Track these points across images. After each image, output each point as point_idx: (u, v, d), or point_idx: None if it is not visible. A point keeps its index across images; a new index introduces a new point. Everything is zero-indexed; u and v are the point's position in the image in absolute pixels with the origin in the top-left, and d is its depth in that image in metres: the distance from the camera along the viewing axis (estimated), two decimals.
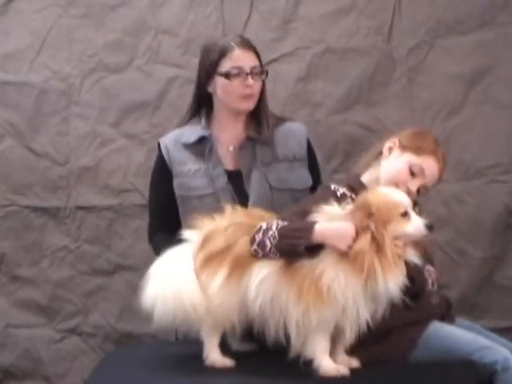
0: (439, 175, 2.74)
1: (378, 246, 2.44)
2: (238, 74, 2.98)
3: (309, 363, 2.50)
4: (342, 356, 2.57)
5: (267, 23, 3.72)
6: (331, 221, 2.51)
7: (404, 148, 2.73)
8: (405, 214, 2.51)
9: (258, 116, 3.06)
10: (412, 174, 2.69)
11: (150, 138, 3.74)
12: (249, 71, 2.98)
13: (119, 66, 3.81)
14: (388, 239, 2.45)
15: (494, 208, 3.62)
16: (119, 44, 3.81)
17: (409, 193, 2.64)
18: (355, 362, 2.57)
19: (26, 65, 3.85)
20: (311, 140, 3.13)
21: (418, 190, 2.70)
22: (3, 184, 3.86)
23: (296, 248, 2.48)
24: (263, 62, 3.14)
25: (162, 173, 3.09)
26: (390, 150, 2.75)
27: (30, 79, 3.84)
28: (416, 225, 2.51)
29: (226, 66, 2.99)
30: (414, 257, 2.53)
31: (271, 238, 2.53)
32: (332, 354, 2.53)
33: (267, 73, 3.05)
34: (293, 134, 3.09)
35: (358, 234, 2.45)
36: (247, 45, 3.03)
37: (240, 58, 2.99)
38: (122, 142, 3.82)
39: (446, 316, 2.78)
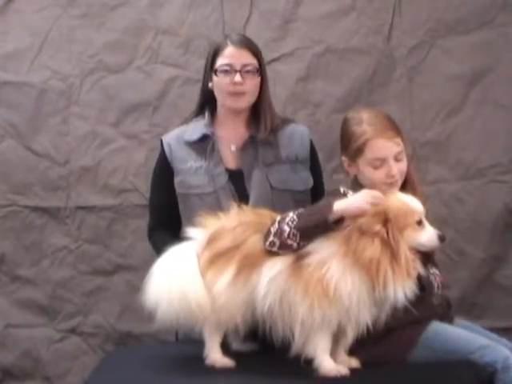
0: (396, 139, 2.69)
1: (391, 252, 2.43)
2: (226, 71, 2.98)
3: (309, 362, 2.50)
4: (342, 356, 2.57)
5: (267, 23, 3.73)
6: None
7: (351, 158, 2.72)
8: (420, 223, 2.50)
9: (257, 115, 3.06)
10: (377, 167, 2.67)
11: (150, 138, 3.74)
12: (239, 68, 2.97)
13: (119, 66, 3.81)
14: (403, 246, 2.45)
15: (493, 208, 3.62)
16: (119, 44, 3.81)
17: (393, 175, 2.64)
18: (355, 362, 2.57)
19: (26, 65, 3.85)
20: (314, 142, 3.13)
21: (396, 158, 2.68)
22: (3, 184, 3.86)
23: (319, 221, 2.48)
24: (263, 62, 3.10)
25: (164, 170, 3.10)
26: (349, 167, 2.75)
27: (30, 79, 3.84)
28: (429, 235, 2.51)
29: (218, 62, 3.01)
30: (420, 266, 2.53)
31: (290, 222, 2.52)
32: (332, 354, 2.53)
33: (262, 74, 3.03)
34: (296, 135, 3.09)
35: (368, 236, 2.45)
36: (243, 43, 3.03)
37: (231, 55, 2.99)
38: (122, 142, 3.82)
39: (445, 316, 2.78)
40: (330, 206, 2.50)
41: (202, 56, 3.71)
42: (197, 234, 2.67)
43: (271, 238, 2.54)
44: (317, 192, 3.07)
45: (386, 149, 2.67)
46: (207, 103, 3.10)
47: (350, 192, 2.68)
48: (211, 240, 2.62)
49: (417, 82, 3.67)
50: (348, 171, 2.77)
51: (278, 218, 2.58)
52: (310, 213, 2.54)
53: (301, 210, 2.57)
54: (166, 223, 3.05)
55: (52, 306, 3.86)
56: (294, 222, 2.52)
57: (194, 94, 3.64)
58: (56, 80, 3.84)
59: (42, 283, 3.85)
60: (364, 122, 2.70)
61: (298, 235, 2.51)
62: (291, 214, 2.56)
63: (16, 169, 3.85)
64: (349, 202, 2.53)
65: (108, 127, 3.82)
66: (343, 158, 2.76)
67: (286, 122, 3.12)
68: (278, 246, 2.53)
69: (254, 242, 2.57)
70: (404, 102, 3.66)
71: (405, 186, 2.70)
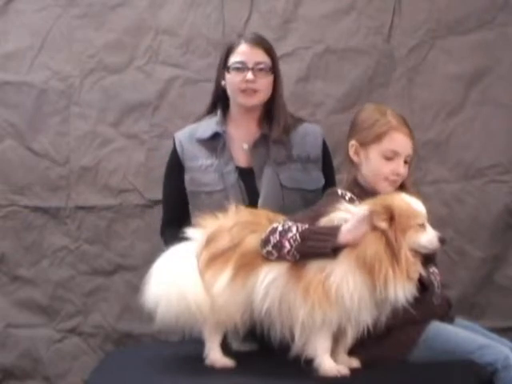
0: (412, 141, 2.71)
1: (393, 252, 2.43)
2: (239, 68, 2.99)
3: (309, 362, 2.50)
4: (343, 356, 2.57)
5: (267, 23, 3.73)
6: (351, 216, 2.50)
7: (365, 144, 2.72)
8: (422, 225, 2.50)
9: (270, 114, 3.06)
10: (389, 159, 2.67)
11: (149, 138, 3.74)
12: (251, 66, 2.98)
13: (119, 66, 3.81)
14: (404, 247, 2.44)
15: (494, 208, 3.62)
16: (119, 44, 3.81)
17: (398, 174, 2.66)
18: (355, 362, 2.56)
19: (26, 65, 3.85)
20: (327, 141, 3.13)
21: (406, 159, 2.70)
22: (3, 184, 3.86)
23: (321, 250, 2.45)
24: None
25: (175, 167, 3.11)
26: (356, 153, 2.74)
27: (30, 79, 3.84)
28: (430, 237, 2.50)
29: (231, 60, 3.02)
30: (421, 267, 2.53)
31: (291, 240, 2.50)
32: (332, 354, 2.53)
33: (275, 73, 3.05)
34: (309, 134, 3.10)
35: (370, 233, 2.44)
36: (256, 41, 3.04)
37: (244, 53, 3.00)
38: (122, 142, 3.82)
39: (446, 316, 2.78)
40: (335, 237, 2.46)
41: (202, 56, 3.73)
42: (195, 235, 2.67)
43: (270, 249, 2.52)
44: None
45: (404, 145, 2.70)
46: (220, 101, 3.11)
47: (348, 194, 2.68)
48: (209, 240, 2.62)
49: (417, 82, 3.67)
50: (351, 158, 2.75)
51: (280, 227, 2.55)
52: (313, 238, 2.49)
53: (304, 228, 2.52)
54: (178, 220, 3.04)
55: (52, 306, 3.86)
56: (296, 243, 2.49)
57: (194, 94, 3.65)
58: (56, 80, 3.84)
59: (41, 283, 3.86)
60: (388, 113, 2.73)
61: (298, 256, 2.49)
62: (294, 230, 2.52)
63: (16, 169, 3.86)
64: (354, 233, 2.45)
65: (108, 127, 3.82)
66: (352, 143, 2.74)
67: (298, 121, 3.13)
68: (275, 257, 2.52)
69: (251, 242, 2.56)
70: (404, 101, 3.66)
71: (400, 189, 2.70)
